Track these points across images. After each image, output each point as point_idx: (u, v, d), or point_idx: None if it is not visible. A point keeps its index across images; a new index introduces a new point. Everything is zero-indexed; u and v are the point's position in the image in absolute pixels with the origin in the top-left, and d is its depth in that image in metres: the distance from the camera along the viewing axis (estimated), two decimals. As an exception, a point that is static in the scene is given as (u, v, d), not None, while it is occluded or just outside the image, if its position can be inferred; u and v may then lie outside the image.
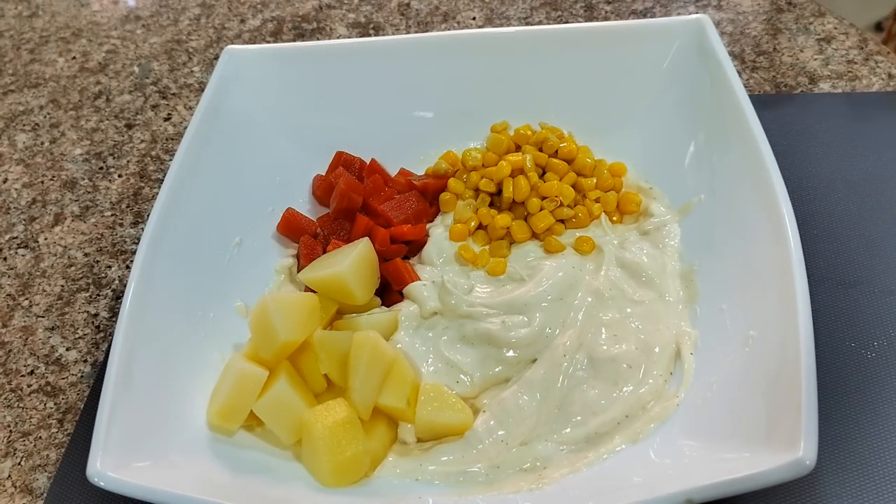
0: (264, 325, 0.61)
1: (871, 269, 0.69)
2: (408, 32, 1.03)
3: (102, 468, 0.52)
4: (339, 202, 0.74)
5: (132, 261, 0.65)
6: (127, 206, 0.87)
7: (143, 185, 0.89)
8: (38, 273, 0.81)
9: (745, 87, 0.67)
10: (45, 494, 0.64)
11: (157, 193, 0.66)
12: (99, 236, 0.84)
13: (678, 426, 0.57)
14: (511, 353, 0.64)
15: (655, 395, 0.60)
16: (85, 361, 0.73)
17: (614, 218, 0.74)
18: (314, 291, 0.67)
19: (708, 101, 0.70)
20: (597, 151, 0.78)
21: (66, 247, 0.83)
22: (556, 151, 0.76)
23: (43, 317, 0.77)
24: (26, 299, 0.78)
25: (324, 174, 0.80)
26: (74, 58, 1.07)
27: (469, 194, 0.76)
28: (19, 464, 0.66)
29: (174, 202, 0.67)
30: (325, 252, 0.72)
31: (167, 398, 0.60)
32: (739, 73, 0.86)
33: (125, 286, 0.61)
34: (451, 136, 0.81)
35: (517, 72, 0.79)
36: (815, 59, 0.90)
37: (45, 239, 0.84)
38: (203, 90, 0.75)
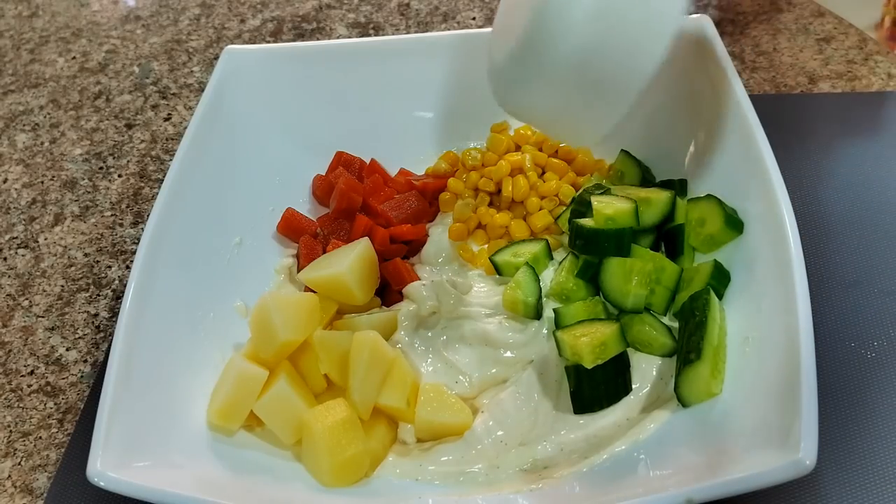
0: (264, 324, 0.61)
1: (871, 269, 0.69)
2: (408, 32, 1.03)
3: (102, 468, 0.52)
4: (339, 202, 0.74)
5: (132, 261, 0.65)
6: (127, 206, 0.87)
7: (143, 185, 0.89)
8: (38, 273, 0.81)
9: (745, 87, 0.67)
10: (45, 494, 0.64)
11: (157, 193, 0.66)
12: (99, 236, 0.84)
13: (678, 427, 0.57)
14: (508, 354, 0.64)
15: (655, 395, 0.60)
16: (85, 361, 0.73)
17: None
18: (314, 291, 0.67)
19: (708, 101, 0.70)
20: (596, 151, 0.78)
21: (66, 247, 0.83)
22: (556, 151, 0.76)
23: (43, 317, 0.77)
24: (26, 299, 0.79)
25: (324, 174, 0.80)
26: (74, 58, 1.07)
27: (469, 194, 0.76)
28: (19, 464, 0.66)
29: (174, 202, 0.67)
30: (325, 252, 0.72)
31: (167, 398, 0.60)
32: (739, 73, 0.86)
33: (125, 286, 0.62)
34: (451, 136, 0.81)
35: (517, 72, 0.79)
36: (815, 59, 0.90)
37: (45, 239, 0.84)
38: (203, 90, 0.75)
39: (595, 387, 0.59)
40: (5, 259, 0.83)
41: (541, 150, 0.76)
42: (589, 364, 0.58)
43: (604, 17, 0.52)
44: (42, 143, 0.95)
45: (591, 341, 0.58)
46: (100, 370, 0.72)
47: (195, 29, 1.10)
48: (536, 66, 0.55)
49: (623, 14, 0.53)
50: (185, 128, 0.72)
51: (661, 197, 0.66)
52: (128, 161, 0.92)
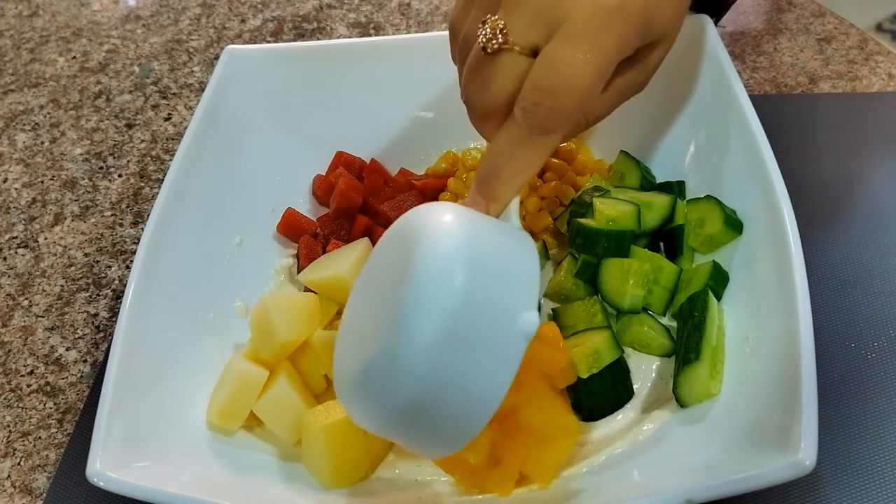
0: (264, 325, 0.61)
1: (871, 269, 0.69)
2: (408, 32, 1.03)
3: (102, 468, 0.52)
4: (339, 202, 0.74)
5: (132, 261, 0.65)
6: (127, 206, 0.87)
7: (143, 185, 0.89)
8: (37, 273, 0.81)
9: (745, 87, 0.66)
10: (44, 494, 0.64)
11: (157, 193, 0.66)
12: (99, 236, 0.84)
13: (678, 427, 0.57)
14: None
15: (655, 396, 0.60)
16: (85, 361, 0.73)
17: (614, 218, 0.74)
18: (314, 291, 0.67)
19: (708, 101, 0.70)
20: (597, 151, 0.78)
21: (66, 247, 0.83)
22: (556, 151, 0.76)
23: (43, 317, 0.77)
24: (26, 299, 0.79)
25: (324, 174, 0.80)
26: (74, 57, 1.07)
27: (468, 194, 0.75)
28: (19, 464, 0.66)
29: (174, 202, 0.67)
30: (325, 252, 0.72)
31: (167, 398, 0.60)
32: (739, 73, 0.86)
33: (125, 286, 0.61)
34: (451, 136, 0.81)
35: (517, 72, 0.79)
36: (815, 59, 0.90)
37: (45, 239, 0.84)
38: (203, 90, 0.75)
39: (594, 397, 0.59)
40: (5, 259, 0.83)
41: (541, 150, 0.76)
42: (584, 374, 0.58)
43: (444, 368, 0.44)
44: (42, 143, 0.95)
45: (584, 350, 0.58)
46: (99, 370, 0.72)
47: (195, 29, 1.10)
48: (369, 408, 0.48)
49: (467, 358, 0.45)
50: (185, 128, 0.72)
51: (662, 201, 0.66)
52: (128, 161, 0.92)
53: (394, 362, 0.44)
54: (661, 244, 0.68)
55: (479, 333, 0.45)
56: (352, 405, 0.49)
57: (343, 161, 0.80)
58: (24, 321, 0.77)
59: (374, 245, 0.69)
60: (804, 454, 0.45)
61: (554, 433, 0.55)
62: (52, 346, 0.74)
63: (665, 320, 0.64)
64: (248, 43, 1.05)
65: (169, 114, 0.97)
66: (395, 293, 0.45)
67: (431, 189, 0.77)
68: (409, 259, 0.45)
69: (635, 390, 0.60)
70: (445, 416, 0.46)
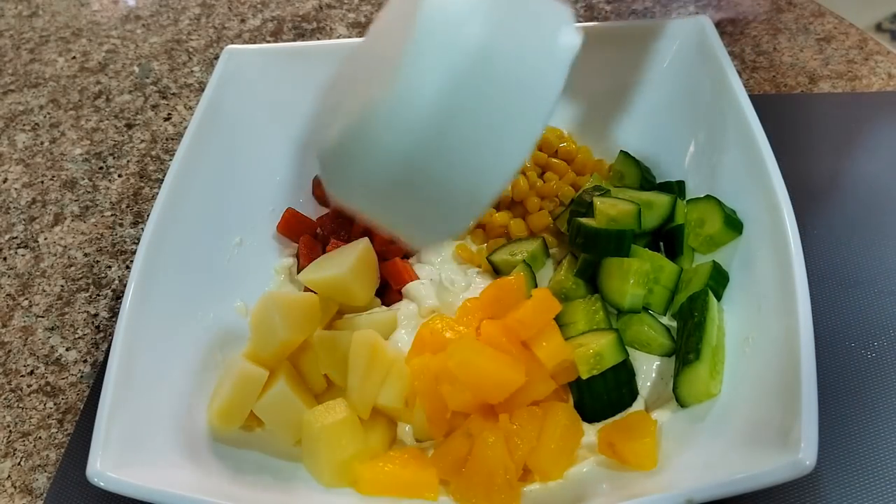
0: (264, 324, 0.61)
1: (871, 269, 0.69)
2: (408, 32, 1.03)
3: (102, 468, 0.52)
4: (339, 202, 0.74)
5: (132, 261, 0.65)
6: (127, 206, 0.87)
7: (143, 185, 0.89)
8: (37, 273, 0.81)
9: (745, 87, 0.67)
10: (44, 494, 0.64)
11: (157, 193, 0.66)
12: (99, 236, 0.84)
13: (678, 427, 0.57)
14: (508, 353, 0.63)
15: (656, 396, 0.60)
16: (85, 361, 0.73)
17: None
18: (314, 291, 0.67)
19: (708, 101, 0.70)
20: (596, 151, 0.78)
21: (66, 247, 0.83)
22: (556, 151, 0.76)
23: (43, 317, 0.77)
24: (26, 299, 0.78)
25: (324, 174, 0.80)
26: (74, 57, 1.07)
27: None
28: (19, 464, 0.66)
29: (174, 202, 0.67)
30: (325, 252, 0.72)
31: (167, 398, 0.60)
32: (739, 73, 0.86)
33: (125, 286, 0.62)
34: (450, 136, 0.80)
35: (517, 72, 0.79)
36: (815, 59, 0.90)
37: (45, 239, 0.84)
38: (203, 90, 0.75)
39: (597, 398, 0.59)
40: (5, 259, 0.83)
41: (541, 149, 0.76)
42: (584, 375, 0.58)
43: (447, 129, 0.37)
44: (42, 143, 0.95)
45: (586, 352, 0.58)
46: (100, 370, 0.72)
47: (195, 29, 1.10)
48: (357, 169, 0.40)
49: (477, 118, 0.38)
50: (185, 128, 0.72)
51: (662, 200, 0.66)
52: (128, 161, 0.92)
53: (396, 108, 0.36)
54: (661, 244, 0.68)
55: (507, 66, 0.36)
56: (335, 174, 0.42)
57: (343, 161, 0.80)
58: (24, 321, 0.77)
59: (374, 245, 0.69)
60: (804, 454, 0.46)
61: (562, 430, 0.56)
62: (52, 347, 0.74)
63: (665, 320, 0.64)
64: (247, 43, 1.05)
65: (169, 114, 0.97)
66: (399, 43, 0.37)
67: (431, 189, 0.77)
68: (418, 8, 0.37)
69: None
70: (454, 175, 0.38)
